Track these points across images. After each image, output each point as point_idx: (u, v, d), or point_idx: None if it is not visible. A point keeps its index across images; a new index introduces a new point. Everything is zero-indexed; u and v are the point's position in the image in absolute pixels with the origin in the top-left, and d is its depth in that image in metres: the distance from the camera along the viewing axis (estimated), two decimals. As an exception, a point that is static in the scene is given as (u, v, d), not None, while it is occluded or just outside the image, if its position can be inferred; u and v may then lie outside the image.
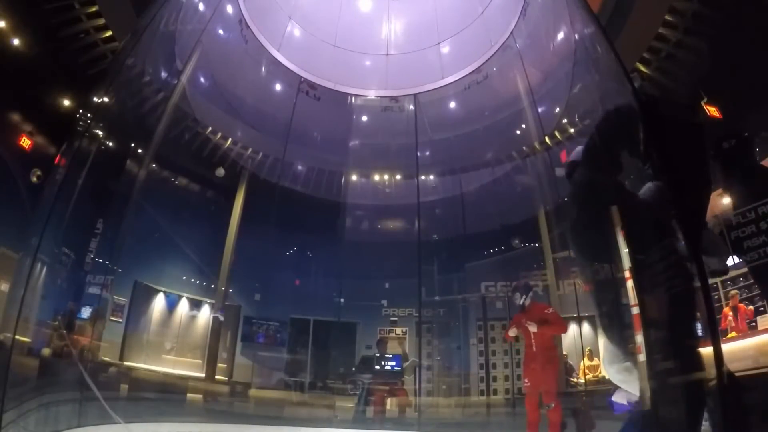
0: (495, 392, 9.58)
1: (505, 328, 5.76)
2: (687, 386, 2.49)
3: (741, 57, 6.29)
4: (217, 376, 9.33)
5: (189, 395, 8.39)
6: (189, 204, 9.91)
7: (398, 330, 10.43)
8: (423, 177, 10.17)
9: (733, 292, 7.23)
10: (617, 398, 3.44)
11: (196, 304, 10.07)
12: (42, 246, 4.85)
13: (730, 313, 6.97)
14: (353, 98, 10.01)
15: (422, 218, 9.69)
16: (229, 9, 8.74)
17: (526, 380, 5.06)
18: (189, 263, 9.69)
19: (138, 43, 6.17)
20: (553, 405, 4.77)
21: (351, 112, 10.15)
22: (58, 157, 6.20)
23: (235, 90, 9.43)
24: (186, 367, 9.30)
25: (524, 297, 5.25)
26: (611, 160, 2.71)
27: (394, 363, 9.41)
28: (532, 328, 4.94)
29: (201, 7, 8.42)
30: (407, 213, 10.43)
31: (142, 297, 9.23)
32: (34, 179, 6.98)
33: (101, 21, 7.39)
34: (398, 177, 10.83)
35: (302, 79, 9.56)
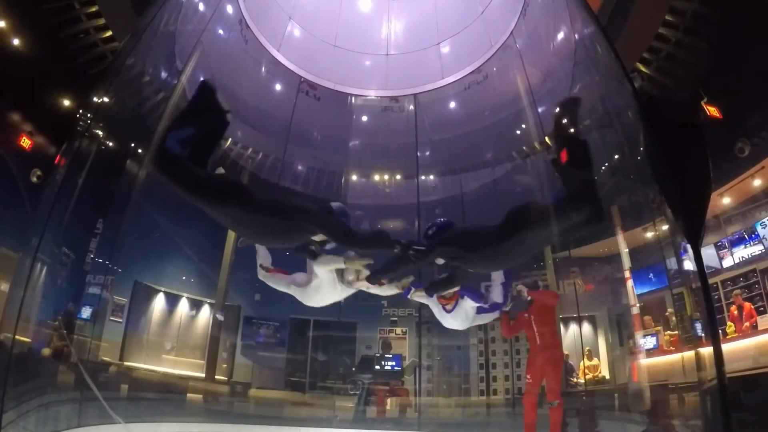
0: (495, 392, 9.58)
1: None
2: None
3: (741, 57, 6.29)
4: (217, 376, 9.33)
5: (189, 395, 8.39)
6: (189, 204, 9.88)
7: (398, 330, 10.43)
8: (423, 177, 10.16)
9: (736, 291, 7.24)
10: None
11: (196, 304, 10.07)
12: (42, 246, 4.85)
13: (736, 312, 7.00)
14: (353, 98, 9.99)
15: (422, 218, 9.68)
16: (229, 9, 8.73)
17: (528, 376, 5.03)
18: (189, 263, 9.68)
19: (138, 43, 6.17)
20: (557, 403, 4.75)
21: (351, 112, 10.13)
22: (58, 157, 6.19)
23: (235, 90, 9.39)
24: (186, 367, 9.30)
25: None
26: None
27: (394, 363, 9.41)
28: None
29: (201, 7, 8.41)
30: (407, 213, 10.41)
31: (142, 297, 9.23)
32: (34, 179, 6.97)
33: (101, 21, 7.38)
34: (398, 177, 10.82)
35: (302, 79, 9.55)
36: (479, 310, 4.33)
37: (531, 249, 3.09)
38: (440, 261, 3.36)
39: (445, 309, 4.19)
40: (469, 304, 4.16)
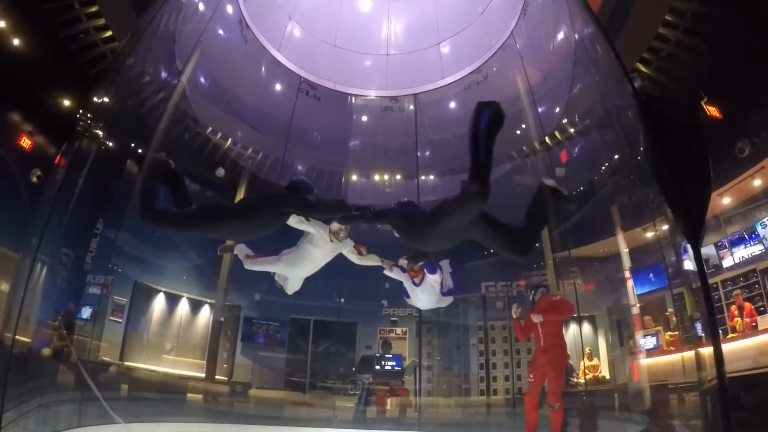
0: (495, 392, 9.58)
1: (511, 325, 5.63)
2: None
3: (741, 57, 6.29)
4: (217, 376, 9.33)
5: (189, 395, 8.39)
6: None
7: (398, 330, 10.43)
8: (423, 177, 10.16)
9: (736, 291, 7.25)
10: None
11: (196, 304, 10.07)
12: (42, 246, 4.85)
13: (736, 312, 7.00)
14: (353, 98, 9.99)
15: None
16: (229, 9, 8.73)
17: (530, 376, 5.02)
18: (189, 263, 9.68)
19: (138, 43, 6.17)
20: (558, 406, 4.73)
21: (351, 112, 10.13)
22: (58, 157, 6.19)
23: (235, 90, 9.41)
24: (186, 367, 9.30)
25: (533, 293, 5.25)
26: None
27: (394, 363, 9.41)
28: (536, 319, 4.89)
29: (201, 7, 8.41)
30: (407, 213, 10.40)
31: (142, 297, 9.23)
32: (34, 179, 6.97)
33: (101, 21, 7.39)
34: (398, 177, 10.82)
35: (302, 79, 9.55)
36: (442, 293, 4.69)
37: (452, 234, 3.52)
38: (396, 234, 3.85)
39: (414, 282, 4.52)
40: (432, 279, 4.47)
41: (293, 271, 4.33)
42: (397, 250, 4.46)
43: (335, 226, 3.92)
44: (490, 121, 3.15)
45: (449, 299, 4.80)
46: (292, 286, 4.46)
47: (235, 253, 4.54)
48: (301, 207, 3.65)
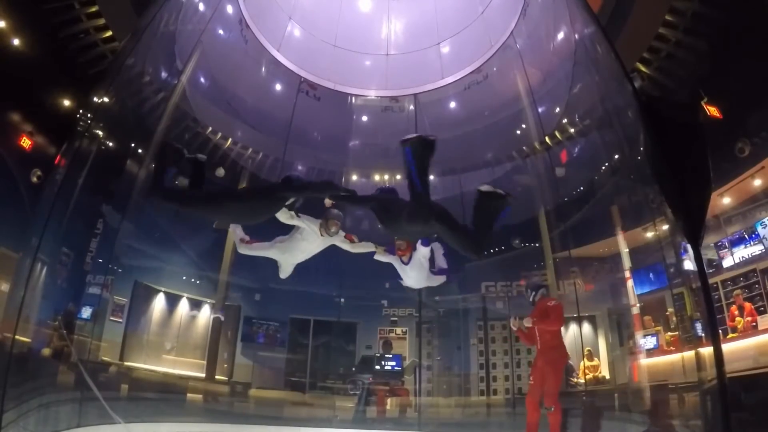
0: (495, 392, 9.58)
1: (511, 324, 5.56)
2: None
3: (741, 57, 6.29)
4: (217, 376, 9.33)
5: (189, 395, 8.39)
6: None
7: (398, 330, 10.43)
8: (423, 177, 10.16)
9: (736, 291, 7.25)
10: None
11: (196, 304, 10.07)
12: (42, 246, 4.86)
13: (736, 312, 7.00)
14: (353, 98, 9.99)
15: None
16: (229, 9, 8.73)
17: (531, 378, 5.02)
18: (189, 263, 9.68)
19: (138, 43, 6.17)
20: (553, 408, 4.69)
21: (351, 112, 10.13)
22: (58, 157, 6.20)
23: (235, 90, 9.42)
24: (186, 367, 9.30)
25: (534, 294, 5.22)
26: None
27: (394, 363, 9.41)
28: (527, 323, 4.89)
29: (201, 7, 8.41)
30: (407, 213, 10.40)
31: (142, 297, 9.22)
32: (34, 179, 6.98)
33: (101, 21, 7.39)
34: (398, 177, 10.81)
35: (302, 79, 9.55)
36: (431, 272, 4.76)
37: (419, 232, 3.98)
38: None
39: (402, 261, 4.59)
40: (421, 254, 4.54)
41: (285, 258, 4.48)
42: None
43: (328, 202, 4.11)
44: (414, 155, 3.73)
45: (441, 278, 4.87)
46: (285, 271, 4.57)
47: (230, 230, 4.72)
48: (295, 189, 3.93)
